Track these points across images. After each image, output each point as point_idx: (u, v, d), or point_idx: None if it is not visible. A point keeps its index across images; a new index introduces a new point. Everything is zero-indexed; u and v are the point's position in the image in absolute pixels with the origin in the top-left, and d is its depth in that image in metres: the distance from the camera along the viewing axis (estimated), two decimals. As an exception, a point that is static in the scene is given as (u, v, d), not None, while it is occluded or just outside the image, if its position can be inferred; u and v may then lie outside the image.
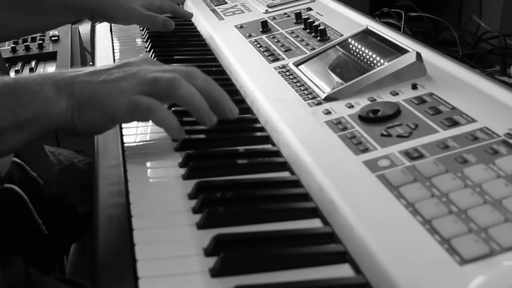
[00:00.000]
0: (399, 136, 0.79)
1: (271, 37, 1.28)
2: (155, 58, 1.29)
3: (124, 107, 0.82)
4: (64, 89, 0.82)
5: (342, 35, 1.17)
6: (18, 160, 1.13)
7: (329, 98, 0.94)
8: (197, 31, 1.51)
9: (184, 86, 0.84)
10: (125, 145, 0.92)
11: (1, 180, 1.01)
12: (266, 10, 1.46)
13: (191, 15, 1.53)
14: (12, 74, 1.86)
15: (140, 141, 0.95)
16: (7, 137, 0.79)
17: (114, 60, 1.34)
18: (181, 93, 0.84)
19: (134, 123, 0.98)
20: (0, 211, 1.00)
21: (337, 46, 1.10)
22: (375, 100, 0.90)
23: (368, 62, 0.99)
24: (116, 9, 1.29)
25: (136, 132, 0.97)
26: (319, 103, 0.94)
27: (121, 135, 0.95)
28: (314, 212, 0.74)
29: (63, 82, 0.82)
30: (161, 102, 0.84)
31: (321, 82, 0.99)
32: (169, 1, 1.48)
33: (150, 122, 0.86)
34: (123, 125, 0.97)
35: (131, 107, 0.82)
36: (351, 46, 1.07)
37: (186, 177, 0.83)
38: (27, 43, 1.97)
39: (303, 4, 1.44)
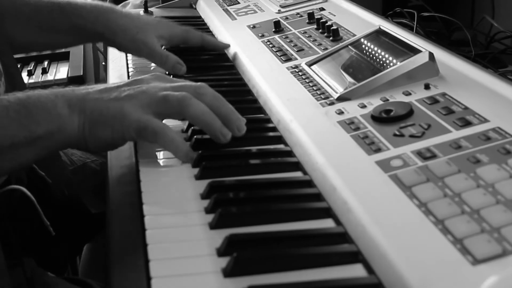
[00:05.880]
0: (411, 136, 0.79)
1: (283, 37, 1.28)
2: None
3: (133, 126, 0.83)
4: (76, 107, 0.83)
5: (354, 35, 1.17)
6: None
7: (341, 98, 0.94)
8: (210, 31, 1.51)
9: (195, 104, 0.85)
10: (138, 145, 0.93)
11: (6, 181, 1.01)
12: (279, 10, 1.46)
13: (227, 45, 1.34)
14: (24, 74, 1.86)
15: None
16: (20, 152, 0.81)
17: (126, 59, 1.34)
18: (191, 111, 0.85)
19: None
20: (7, 213, 0.99)
21: (349, 46, 1.10)
22: (388, 100, 0.90)
23: (381, 62, 0.99)
24: (128, 40, 1.22)
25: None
26: (331, 103, 0.94)
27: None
28: (327, 212, 0.74)
29: (75, 100, 0.84)
30: (172, 119, 0.89)
31: (334, 82, 0.99)
32: (197, 32, 1.33)
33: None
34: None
35: (139, 128, 0.83)
36: (363, 46, 1.07)
37: (198, 177, 0.83)
38: (40, 44, 1.97)
39: (315, 4, 1.43)
